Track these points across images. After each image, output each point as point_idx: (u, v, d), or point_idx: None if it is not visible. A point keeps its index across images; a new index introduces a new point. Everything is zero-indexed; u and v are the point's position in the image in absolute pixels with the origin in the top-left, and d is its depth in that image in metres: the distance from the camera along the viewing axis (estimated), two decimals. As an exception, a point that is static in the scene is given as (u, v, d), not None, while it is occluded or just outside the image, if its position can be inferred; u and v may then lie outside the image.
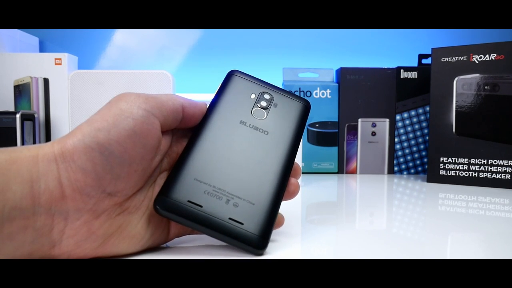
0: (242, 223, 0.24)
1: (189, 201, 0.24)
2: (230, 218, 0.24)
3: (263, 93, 0.30)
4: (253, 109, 0.29)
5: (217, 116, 0.28)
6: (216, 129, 0.27)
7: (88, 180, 0.21)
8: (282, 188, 0.27)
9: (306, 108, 0.31)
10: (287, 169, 0.27)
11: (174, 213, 0.24)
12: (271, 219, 0.25)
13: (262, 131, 0.28)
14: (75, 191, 0.21)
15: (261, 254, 0.25)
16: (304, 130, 0.29)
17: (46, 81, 0.65)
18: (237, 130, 0.28)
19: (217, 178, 0.26)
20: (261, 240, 0.24)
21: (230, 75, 0.30)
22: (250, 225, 0.24)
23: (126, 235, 0.23)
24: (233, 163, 0.26)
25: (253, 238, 0.24)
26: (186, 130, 0.28)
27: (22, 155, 0.20)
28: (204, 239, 0.28)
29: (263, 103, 0.29)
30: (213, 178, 0.25)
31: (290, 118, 0.30)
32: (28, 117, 0.56)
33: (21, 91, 0.65)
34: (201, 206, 0.24)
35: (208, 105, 0.29)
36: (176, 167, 0.26)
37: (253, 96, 0.30)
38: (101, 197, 0.22)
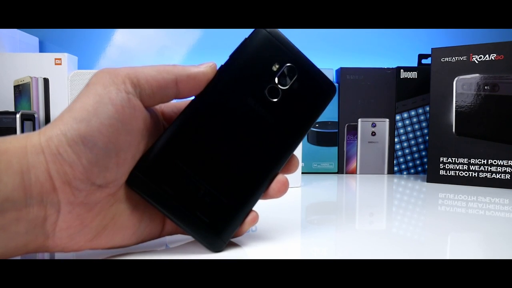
0: (207, 219, 0.24)
1: (162, 184, 0.24)
2: (197, 211, 0.24)
3: (287, 66, 0.25)
4: (269, 86, 0.25)
5: (222, 87, 0.25)
6: (214, 105, 0.25)
7: (76, 173, 0.20)
8: (261, 188, 0.25)
9: (328, 95, 0.26)
10: (274, 168, 0.25)
11: (145, 193, 0.23)
12: (237, 221, 0.25)
13: (267, 117, 0.25)
14: (64, 184, 0.20)
15: (216, 252, 0.25)
16: (316, 120, 0.27)
17: (46, 81, 0.66)
18: (240, 110, 0.25)
19: (197, 164, 0.24)
20: (219, 242, 0.25)
21: (260, 30, 0.25)
22: (214, 224, 0.24)
23: (120, 226, 0.23)
24: (219, 150, 0.24)
25: (212, 238, 0.24)
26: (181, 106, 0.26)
27: (12, 145, 0.20)
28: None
29: (283, 80, 0.25)
30: (193, 164, 0.24)
31: (304, 106, 0.26)
32: (28, 117, 0.56)
33: (21, 91, 0.65)
34: (173, 192, 0.24)
35: (219, 67, 0.25)
36: (159, 142, 0.24)
37: (275, 67, 0.25)
38: (91, 190, 0.21)
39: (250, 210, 0.26)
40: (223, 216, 0.25)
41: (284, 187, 0.26)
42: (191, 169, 0.24)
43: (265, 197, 0.26)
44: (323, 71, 0.27)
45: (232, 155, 0.25)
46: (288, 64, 0.25)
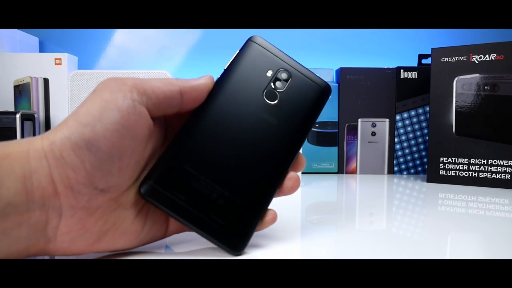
0: (223, 221, 0.24)
1: (174, 191, 0.24)
2: (212, 214, 0.24)
3: (281, 71, 0.27)
4: (266, 90, 0.26)
5: (222, 96, 0.26)
6: (217, 112, 0.25)
7: (79, 177, 0.20)
8: (274, 186, 0.26)
9: (324, 94, 0.27)
10: (285, 165, 0.26)
11: (157, 201, 0.23)
12: (254, 220, 0.25)
13: (269, 118, 0.26)
14: (67, 188, 0.20)
15: (238, 255, 0.24)
16: (316, 118, 0.28)
17: (46, 81, 0.66)
18: (241, 114, 0.26)
19: (208, 169, 0.24)
20: (239, 242, 0.24)
21: (249, 43, 0.27)
22: (231, 225, 0.24)
23: (122, 232, 0.23)
24: (227, 153, 0.25)
25: (231, 239, 0.24)
26: (184, 114, 0.26)
27: (14, 150, 0.20)
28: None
29: (278, 84, 0.27)
30: (204, 168, 0.24)
31: (303, 105, 0.27)
32: (28, 117, 0.56)
33: (21, 91, 0.65)
34: (185, 197, 0.24)
35: (217, 78, 0.26)
36: (168, 151, 0.25)
37: (269, 73, 0.27)
38: (93, 194, 0.21)
39: (267, 209, 0.26)
40: (239, 216, 0.24)
41: (297, 183, 0.26)
42: (202, 173, 0.24)
43: (279, 195, 0.26)
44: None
45: (241, 157, 0.25)
46: (281, 69, 0.27)
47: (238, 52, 0.27)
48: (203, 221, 0.24)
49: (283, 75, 0.27)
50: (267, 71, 0.27)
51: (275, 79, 0.27)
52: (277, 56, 0.27)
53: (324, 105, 0.28)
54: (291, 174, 0.26)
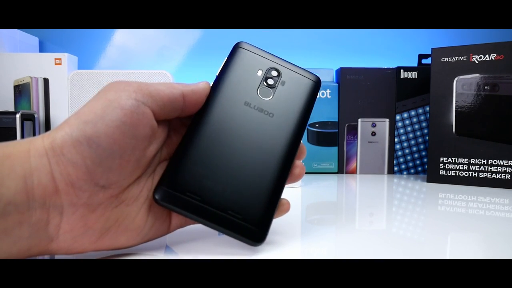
0: (240, 215, 0.24)
1: (188, 192, 0.24)
2: (228, 209, 0.24)
3: (270, 69, 0.28)
4: (259, 88, 0.28)
5: (220, 97, 0.27)
6: (218, 112, 0.26)
7: (79, 174, 0.21)
8: (284, 175, 0.26)
9: (315, 86, 0.29)
10: (291, 155, 0.27)
11: (173, 204, 0.24)
12: (271, 209, 0.25)
13: (267, 113, 0.27)
14: (68, 185, 0.20)
15: (258, 245, 0.25)
16: (312, 109, 0.29)
17: (46, 81, 0.66)
18: (241, 113, 0.27)
19: (217, 166, 0.25)
20: (259, 233, 0.24)
21: (236, 48, 0.29)
22: (249, 216, 0.24)
23: (124, 229, 0.23)
24: (234, 150, 0.26)
25: (251, 231, 0.24)
26: (185, 118, 0.27)
27: (15, 150, 0.20)
28: (204, 237, 0.28)
29: (270, 81, 0.28)
30: (213, 166, 0.25)
31: (298, 98, 0.28)
32: (28, 117, 0.56)
33: (21, 91, 0.65)
34: (200, 197, 0.24)
35: (211, 84, 0.28)
36: (175, 155, 0.25)
37: (259, 73, 0.28)
38: (94, 191, 0.21)
39: (280, 199, 0.26)
40: (256, 208, 0.25)
41: (303, 170, 0.28)
42: (213, 172, 0.25)
43: (288, 182, 0.27)
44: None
45: (248, 151, 0.26)
46: (270, 67, 0.29)
47: (227, 59, 0.28)
48: (221, 218, 0.24)
49: (273, 72, 0.28)
50: (257, 71, 0.28)
51: (266, 77, 0.28)
52: (264, 57, 0.29)
53: (316, 96, 0.29)
54: (297, 162, 0.27)
